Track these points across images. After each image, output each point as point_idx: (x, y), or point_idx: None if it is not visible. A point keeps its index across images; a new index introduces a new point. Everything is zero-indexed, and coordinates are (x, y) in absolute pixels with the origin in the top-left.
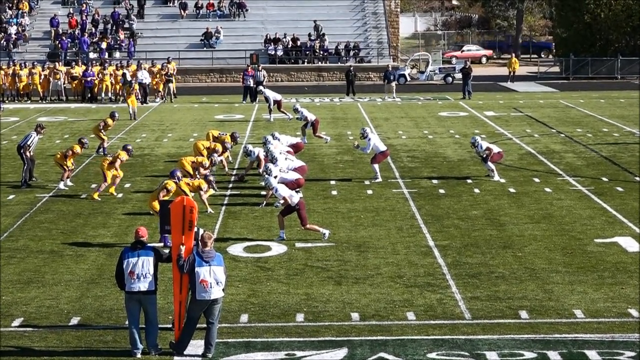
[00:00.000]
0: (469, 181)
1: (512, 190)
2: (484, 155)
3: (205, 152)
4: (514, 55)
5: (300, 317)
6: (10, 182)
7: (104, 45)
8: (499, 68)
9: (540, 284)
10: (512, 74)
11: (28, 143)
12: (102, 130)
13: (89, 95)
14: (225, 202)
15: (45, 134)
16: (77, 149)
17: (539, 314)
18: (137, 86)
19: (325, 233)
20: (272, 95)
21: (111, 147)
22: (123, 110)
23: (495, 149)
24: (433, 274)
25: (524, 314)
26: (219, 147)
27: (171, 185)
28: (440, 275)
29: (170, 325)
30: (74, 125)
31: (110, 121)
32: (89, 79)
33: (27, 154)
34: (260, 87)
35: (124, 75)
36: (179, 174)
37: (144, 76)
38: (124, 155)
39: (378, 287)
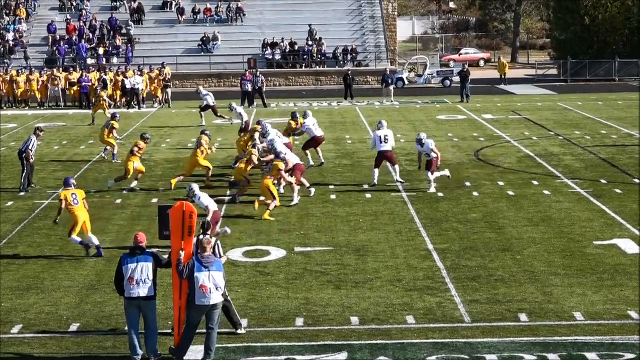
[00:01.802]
0: (468, 184)
1: (510, 193)
2: (428, 158)
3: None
4: (501, 57)
5: (300, 321)
6: (9, 189)
7: (101, 51)
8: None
9: (539, 286)
10: (503, 76)
11: (29, 148)
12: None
13: (86, 101)
14: (224, 207)
15: (44, 138)
16: (141, 144)
17: (539, 317)
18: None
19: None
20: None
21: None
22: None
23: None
24: (432, 278)
25: (523, 316)
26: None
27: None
28: (440, 278)
29: (170, 331)
30: (73, 131)
31: (114, 123)
32: (83, 84)
33: (29, 159)
34: (233, 104)
35: (123, 82)
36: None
37: (137, 81)
38: (141, 143)
39: (377, 291)
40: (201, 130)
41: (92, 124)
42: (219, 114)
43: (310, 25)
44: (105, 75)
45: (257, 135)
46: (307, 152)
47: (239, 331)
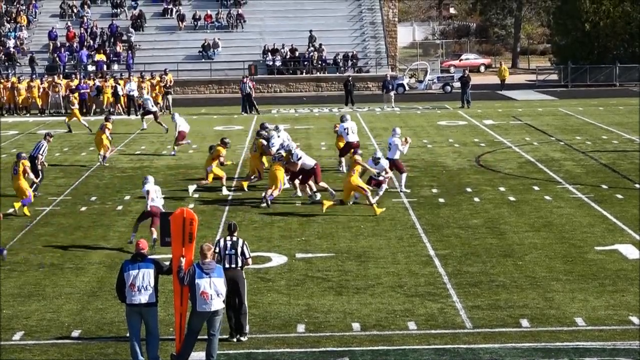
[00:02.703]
0: (469, 190)
1: (512, 198)
2: (379, 176)
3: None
4: (502, 63)
5: (301, 327)
6: (9, 196)
7: (98, 57)
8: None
9: (541, 292)
10: (502, 82)
11: (40, 153)
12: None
13: (85, 107)
14: (225, 213)
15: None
16: (222, 151)
17: (540, 323)
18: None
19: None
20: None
21: (110, 160)
22: (123, 123)
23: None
24: (434, 283)
25: (525, 322)
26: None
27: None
28: (441, 284)
29: (171, 337)
30: (74, 138)
31: (108, 124)
32: (82, 91)
33: (42, 164)
34: (176, 115)
35: (115, 88)
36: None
37: (132, 88)
38: (223, 151)
39: (379, 297)
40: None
41: (69, 131)
42: (158, 120)
43: (310, 31)
44: (106, 81)
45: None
46: (342, 159)
47: (241, 338)
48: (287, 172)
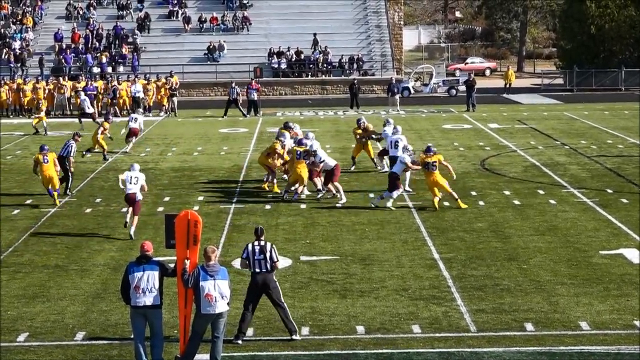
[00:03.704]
0: (474, 193)
1: (516, 202)
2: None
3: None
4: (509, 67)
5: (305, 330)
6: (15, 197)
7: (104, 59)
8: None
9: (545, 296)
10: (508, 85)
11: (71, 154)
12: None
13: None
14: (230, 215)
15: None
16: (278, 147)
17: (545, 326)
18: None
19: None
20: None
21: (115, 161)
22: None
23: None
24: (438, 287)
25: (529, 326)
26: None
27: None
28: (446, 287)
29: (176, 339)
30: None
31: (106, 124)
32: (89, 93)
33: (71, 165)
34: (136, 116)
35: (113, 90)
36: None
37: (137, 90)
38: (278, 146)
39: (383, 300)
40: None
41: (38, 134)
42: (96, 120)
43: (314, 34)
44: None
45: (287, 136)
46: (383, 158)
47: (294, 336)
48: (311, 172)
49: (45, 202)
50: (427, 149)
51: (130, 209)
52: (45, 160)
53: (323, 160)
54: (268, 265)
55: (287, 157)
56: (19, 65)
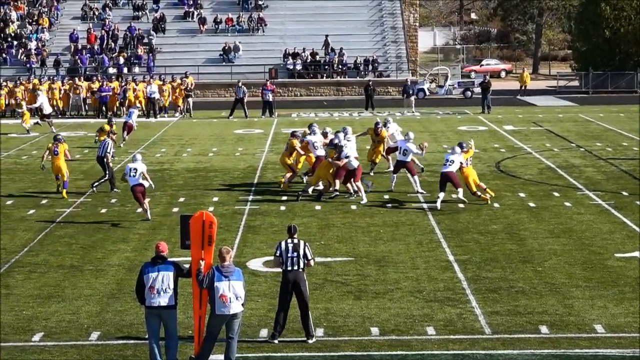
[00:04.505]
0: (489, 195)
1: (531, 204)
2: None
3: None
4: (525, 69)
5: (320, 331)
6: (30, 197)
7: (121, 60)
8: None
9: (560, 298)
10: (523, 87)
11: (108, 151)
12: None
13: (105, 110)
14: (245, 216)
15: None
16: (296, 143)
17: (560, 329)
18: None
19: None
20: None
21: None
22: (142, 125)
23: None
24: (453, 289)
25: (544, 328)
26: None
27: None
28: (460, 289)
29: (190, 340)
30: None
31: (107, 126)
32: (104, 94)
33: (109, 162)
34: (133, 110)
35: (123, 91)
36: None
37: (153, 90)
38: (296, 142)
39: (398, 301)
40: (291, 132)
41: (29, 133)
42: (49, 120)
43: (326, 36)
44: (127, 85)
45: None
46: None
47: (309, 340)
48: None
49: (61, 202)
50: (460, 145)
51: (144, 200)
52: (56, 152)
53: (348, 156)
54: (301, 263)
55: (311, 156)
56: (37, 65)
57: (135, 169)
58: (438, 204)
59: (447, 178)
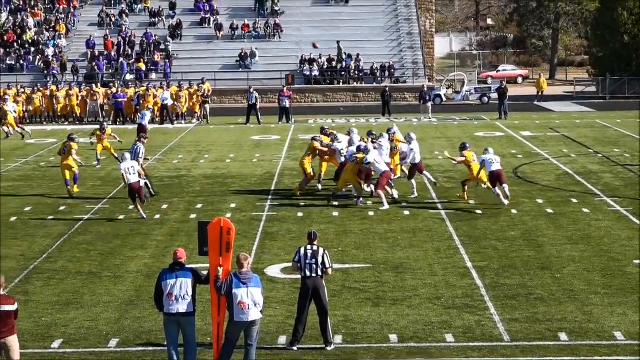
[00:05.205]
0: (506, 201)
1: (549, 211)
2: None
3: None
4: (541, 75)
5: (338, 338)
6: (48, 204)
7: (138, 66)
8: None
9: (579, 305)
10: (540, 93)
11: (140, 156)
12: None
13: (121, 117)
14: (262, 222)
15: (81, 153)
16: (317, 144)
17: (579, 336)
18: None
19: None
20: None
21: (148, 167)
22: (160, 132)
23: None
24: (471, 296)
25: (563, 336)
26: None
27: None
28: (479, 296)
29: (209, 346)
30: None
31: (98, 132)
32: (119, 100)
33: (141, 166)
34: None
35: (137, 97)
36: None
37: (166, 97)
38: (317, 144)
39: (416, 308)
40: (312, 137)
41: (24, 138)
42: (18, 125)
43: (338, 42)
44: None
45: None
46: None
47: (327, 347)
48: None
49: (79, 208)
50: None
51: (138, 196)
52: (64, 151)
53: (369, 163)
54: (319, 270)
55: (335, 160)
56: (57, 72)
57: (133, 167)
58: (505, 201)
59: (497, 175)
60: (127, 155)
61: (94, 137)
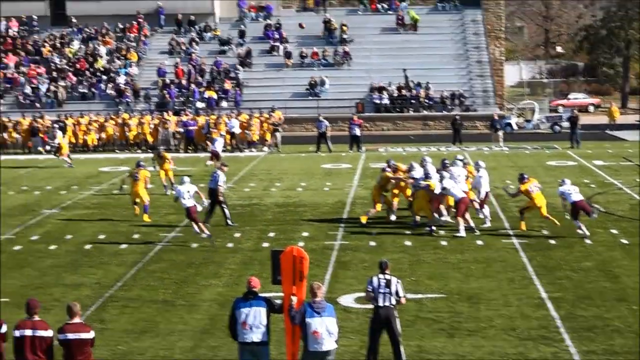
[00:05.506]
0: (580, 232)
1: (624, 241)
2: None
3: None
4: (613, 103)
5: None
6: (122, 232)
7: (208, 94)
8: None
9: None
10: (612, 122)
11: (220, 183)
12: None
13: (193, 145)
14: (335, 252)
15: (151, 181)
16: (389, 174)
17: None
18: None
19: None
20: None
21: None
22: (232, 160)
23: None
24: (547, 327)
25: None
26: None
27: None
28: (554, 328)
29: None
30: (182, 174)
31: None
32: (189, 128)
33: (220, 196)
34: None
35: (207, 125)
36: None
37: (234, 125)
38: (389, 174)
39: (491, 339)
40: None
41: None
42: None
43: (404, 70)
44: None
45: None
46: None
47: None
48: (431, 201)
49: (152, 237)
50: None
51: (193, 219)
52: (136, 178)
53: (444, 189)
54: (392, 300)
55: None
56: (130, 100)
57: (189, 191)
58: (585, 231)
59: (581, 207)
60: (186, 179)
61: (154, 162)
